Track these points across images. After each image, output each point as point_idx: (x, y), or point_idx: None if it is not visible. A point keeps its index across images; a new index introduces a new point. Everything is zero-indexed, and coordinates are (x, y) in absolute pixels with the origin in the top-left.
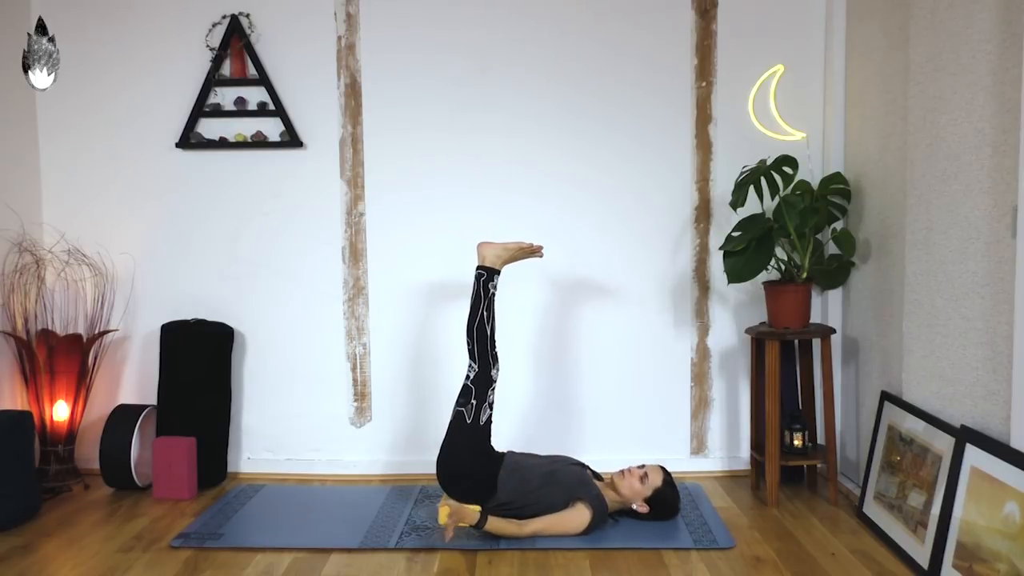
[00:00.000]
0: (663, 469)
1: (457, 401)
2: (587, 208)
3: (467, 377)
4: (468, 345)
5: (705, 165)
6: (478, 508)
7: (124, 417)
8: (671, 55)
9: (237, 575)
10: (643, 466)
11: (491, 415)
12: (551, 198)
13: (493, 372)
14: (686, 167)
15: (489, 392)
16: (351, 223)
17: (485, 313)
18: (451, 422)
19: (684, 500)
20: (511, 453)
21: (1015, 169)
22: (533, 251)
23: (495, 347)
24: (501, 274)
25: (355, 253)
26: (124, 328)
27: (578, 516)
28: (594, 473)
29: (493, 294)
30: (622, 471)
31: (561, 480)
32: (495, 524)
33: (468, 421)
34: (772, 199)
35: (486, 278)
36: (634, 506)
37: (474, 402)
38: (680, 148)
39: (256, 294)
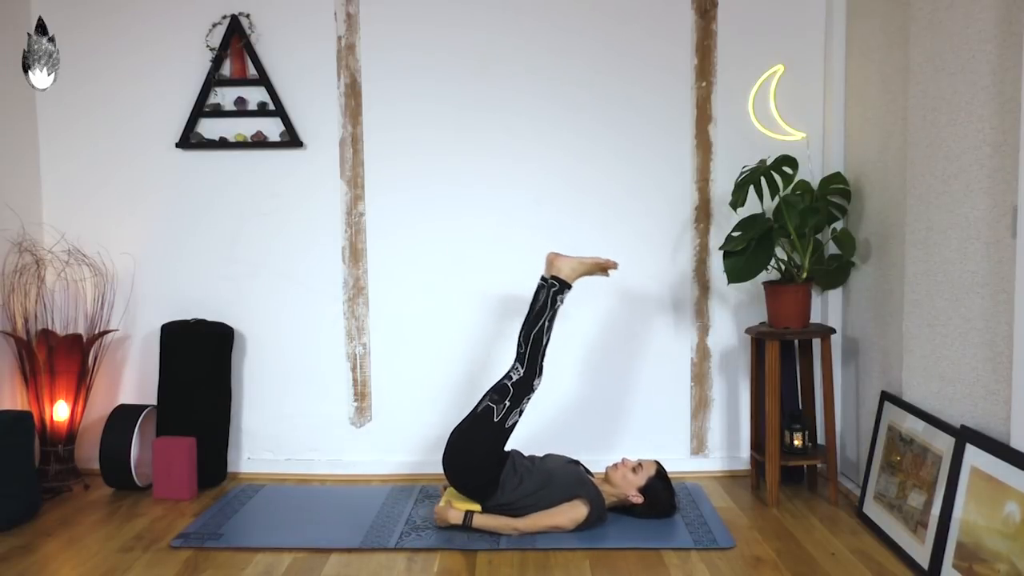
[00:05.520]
0: (657, 463)
1: (490, 396)
2: (587, 208)
3: (508, 378)
4: (519, 348)
5: (705, 165)
6: (461, 512)
7: (124, 417)
8: (671, 55)
9: (237, 575)
10: (638, 460)
11: (517, 422)
12: (551, 198)
13: (535, 382)
14: (686, 167)
15: (525, 400)
16: (351, 223)
17: (547, 323)
18: (476, 413)
19: (684, 500)
20: (515, 452)
21: (1015, 169)
22: (606, 267)
23: (544, 359)
24: (572, 289)
25: (355, 253)
26: (124, 328)
27: (573, 511)
28: (586, 471)
29: (559, 308)
30: (615, 464)
31: (560, 481)
32: (483, 521)
33: (495, 419)
34: (772, 199)
35: (557, 290)
36: (629, 496)
37: (508, 403)
38: (680, 148)
39: (256, 294)
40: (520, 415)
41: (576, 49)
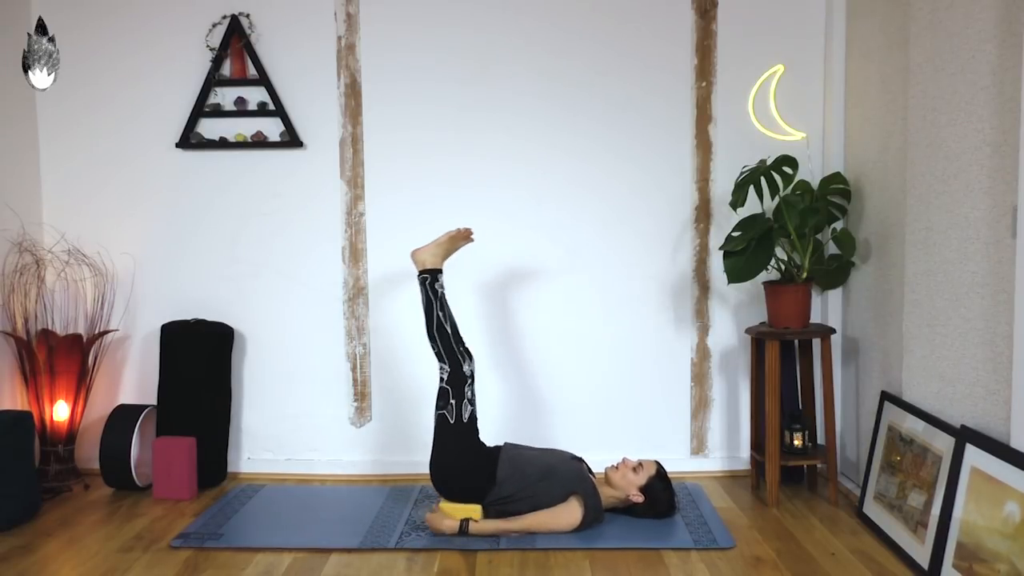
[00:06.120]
0: (658, 463)
1: (436, 405)
2: (587, 208)
3: (440, 380)
4: (433, 349)
5: (705, 165)
6: (457, 521)
7: (124, 417)
8: (671, 55)
9: (237, 575)
10: (639, 460)
11: (474, 411)
12: (551, 198)
13: (465, 368)
14: (686, 167)
15: (466, 389)
16: (351, 223)
17: (441, 313)
18: (435, 427)
19: (684, 500)
20: (508, 445)
21: (1015, 169)
22: (464, 235)
23: (462, 343)
24: (443, 271)
25: (355, 253)
26: (124, 328)
27: (570, 513)
28: (589, 470)
29: (443, 293)
30: (615, 464)
31: (560, 475)
32: (479, 527)
33: (452, 422)
34: (772, 199)
35: (431, 280)
36: (630, 495)
37: (453, 402)
38: (680, 148)
39: (256, 294)
40: (472, 404)
41: (576, 49)
